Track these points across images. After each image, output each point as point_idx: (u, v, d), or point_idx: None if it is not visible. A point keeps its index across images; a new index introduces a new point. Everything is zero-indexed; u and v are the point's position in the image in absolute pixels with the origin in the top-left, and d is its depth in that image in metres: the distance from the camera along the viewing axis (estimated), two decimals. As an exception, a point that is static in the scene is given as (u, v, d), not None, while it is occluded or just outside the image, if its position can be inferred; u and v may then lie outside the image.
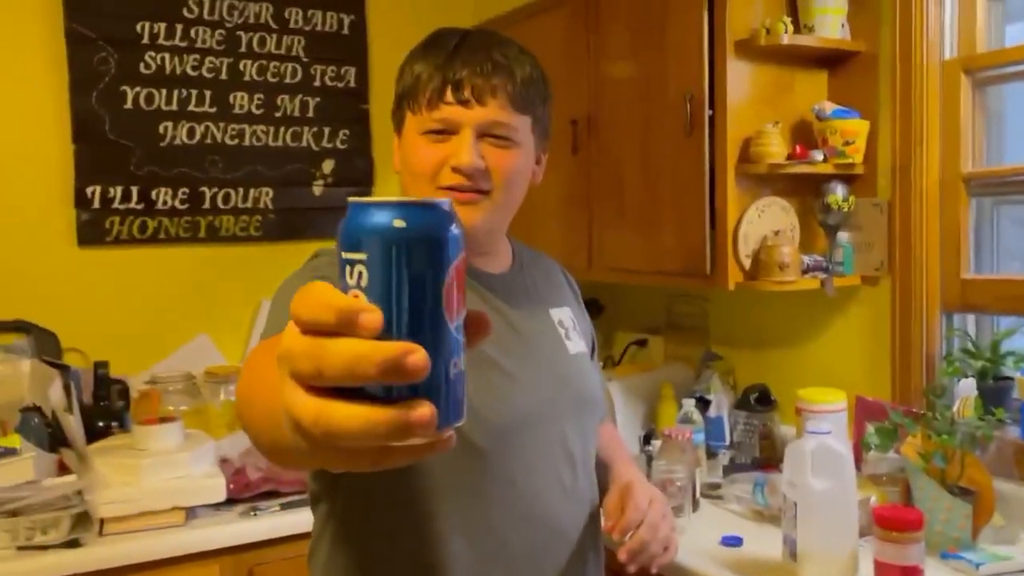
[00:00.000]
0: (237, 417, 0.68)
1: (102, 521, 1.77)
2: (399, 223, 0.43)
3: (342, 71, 2.67)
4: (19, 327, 2.22)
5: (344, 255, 0.44)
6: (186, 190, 2.46)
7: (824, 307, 2.13)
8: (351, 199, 0.46)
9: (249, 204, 2.55)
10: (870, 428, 1.80)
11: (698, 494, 1.89)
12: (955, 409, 1.70)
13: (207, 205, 2.49)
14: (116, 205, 2.38)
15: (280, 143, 2.59)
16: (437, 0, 2.81)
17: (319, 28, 2.64)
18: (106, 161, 2.36)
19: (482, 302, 1.09)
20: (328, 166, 2.67)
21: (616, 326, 2.79)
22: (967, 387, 1.73)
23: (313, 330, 0.41)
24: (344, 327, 0.41)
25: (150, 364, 2.39)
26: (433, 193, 1.01)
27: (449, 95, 1.00)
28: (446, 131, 1.02)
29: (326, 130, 2.66)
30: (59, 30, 2.30)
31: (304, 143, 2.63)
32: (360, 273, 0.43)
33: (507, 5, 2.58)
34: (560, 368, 1.13)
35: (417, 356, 0.40)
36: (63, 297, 2.34)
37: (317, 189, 2.65)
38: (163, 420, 2.00)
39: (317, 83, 2.64)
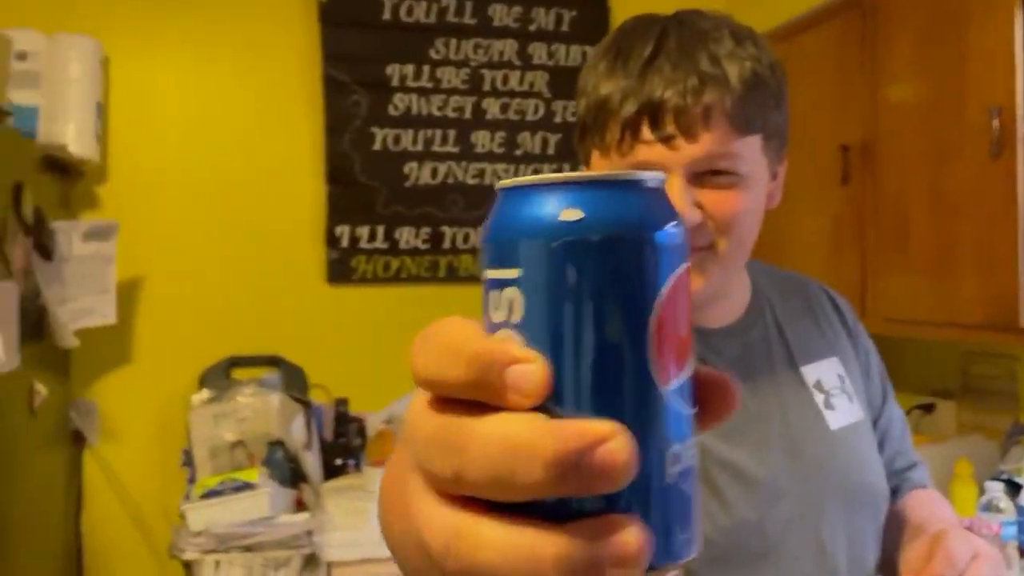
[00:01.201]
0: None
1: (329, 565, 1.74)
2: (572, 214, 0.25)
3: (584, 105, 2.56)
4: (271, 361, 2.31)
5: (489, 274, 0.27)
6: (428, 230, 2.47)
7: None
8: (501, 183, 0.28)
9: (488, 244, 2.51)
10: None
11: (1012, 607, 1.50)
12: None
13: (447, 245, 2.48)
14: (363, 244, 2.43)
15: (520, 181, 2.54)
16: (687, 27, 2.64)
17: (562, 63, 2.56)
18: (355, 201, 2.42)
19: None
20: (568, 204, 2.57)
21: (895, 387, 2.39)
22: None
23: (443, 395, 0.26)
24: (486, 389, 0.25)
25: (389, 402, 2.40)
26: None
27: (646, 132, 0.74)
28: None
29: (565, 167, 2.56)
30: (317, 76, 2.41)
31: (543, 181, 2.55)
32: (511, 302, 0.26)
33: (765, 24, 2.34)
34: (816, 450, 0.84)
35: (615, 444, 0.24)
36: (311, 333, 2.41)
37: (556, 228, 2.56)
38: (394, 462, 1.96)
39: (558, 119, 2.57)
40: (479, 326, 0.27)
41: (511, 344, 0.26)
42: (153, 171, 2.34)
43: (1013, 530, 1.67)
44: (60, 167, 2.16)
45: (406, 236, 2.46)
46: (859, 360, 0.96)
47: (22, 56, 2.01)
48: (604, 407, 0.25)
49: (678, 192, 0.74)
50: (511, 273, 0.26)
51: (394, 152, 2.45)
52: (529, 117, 2.54)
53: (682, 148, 0.74)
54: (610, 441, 0.24)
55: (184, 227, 2.35)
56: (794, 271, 0.98)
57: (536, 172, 2.54)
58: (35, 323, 1.86)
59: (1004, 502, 1.69)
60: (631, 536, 0.24)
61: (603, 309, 0.25)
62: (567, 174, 0.27)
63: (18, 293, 1.69)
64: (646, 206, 0.26)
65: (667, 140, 0.73)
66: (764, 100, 0.77)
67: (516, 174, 2.54)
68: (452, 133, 2.48)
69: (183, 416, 2.15)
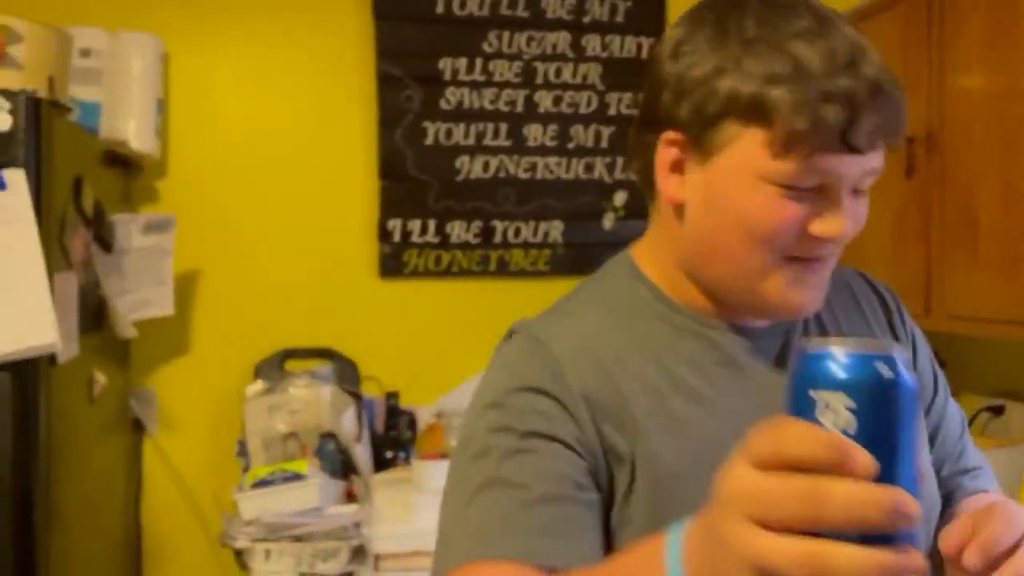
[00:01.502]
0: None
1: (377, 557, 1.74)
2: (890, 373, 0.44)
3: (639, 98, 2.52)
4: (324, 354, 2.33)
5: (819, 394, 0.44)
6: (479, 224, 2.46)
7: None
8: (825, 345, 0.45)
9: (539, 238, 2.49)
10: None
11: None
12: None
13: (498, 239, 2.47)
14: (414, 239, 2.43)
15: (572, 175, 2.50)
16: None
17: (616, 54, 2.52)
18: (407, 196, 2.43)
19: (732, 376, 0.77)
20: (620, 198, 2.53)
21: (962, 387, 2.30)
22: None
23: (797, 467, 0.41)
24: (842, 467, 0.40)
25: (439, 396, 2.40)
26: (773, 263, 0.72)
27: (837, 140, 0.66)
28: (814, 186, 0.70)
29: (619, 161, 2.52)
30: (371, 71, 2.42)
31: (596, 175, 2.51)
32: (848, 420, 0.43)
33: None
34: None
35: (914, 504, 0.40)
36: (364, 326, 2.42)
37: (608, 222, 2.52)
38: (443, 456, 1.95)
39: (612, 112, 2.53)
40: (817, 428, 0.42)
41: (855, 445, 0.41)
42: (210, 166, 2.38)
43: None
44: (121, 162, 2.21)
45: (457, 230, 2.45)
46: (905, 347, 0.89)
47: (85, 53, 2.06)
48: (902, 484, 0.42)
49: (846, 204, 0.70)
50: (850, 403, 0.42)
51: (446, 146, 2.44)
52: (582, 110, 2.51)
53: (865, 160, 0.69)
54: (911, 503, 0.40)
55: (240, 221, 2.39)
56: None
57: (588, 165, 2.51)
58: (95, 314, 1.91)
59: (1078, 510, 1.61)
60: (920, 558, 0.41)
61: (905, 430, 0.43)
62: (880, 348, 0.44)
63: (77, 283, 1.74)
64: (906, 365, 0.45)
65: (856, 151, 0.67)
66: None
67: (569, 168, 2.50)
68: (504, 127, 2.47)
69: (238, 406, 2.18)
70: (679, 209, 0.76)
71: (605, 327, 0.78)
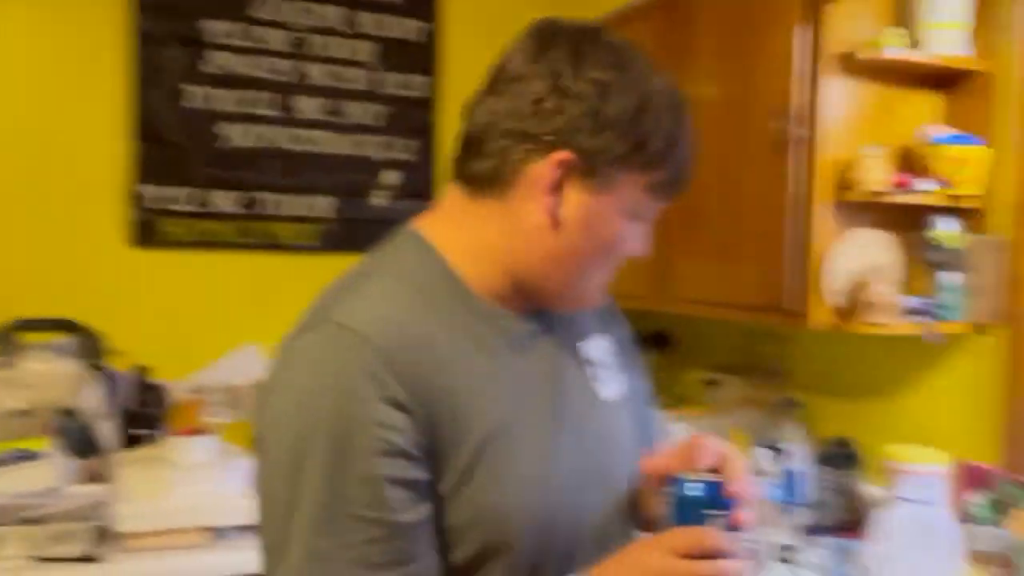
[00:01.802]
0: None
1: (122, 536, 1.67)
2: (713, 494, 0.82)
3: (412, 80, 2.57)
4: (63, 325, 2.17)
5: (705, 512, 0.81)
6: (243, 195, 2.39)
7: (924, 356, 1.90)
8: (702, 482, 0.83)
9: (308, 212, 2.47)
10: (976, 498, 1.57)
11: (768, 557, 1.69)
12: (1081, 484, 1.46)
13: (264, 211, 2.42)
14: (172, 207, 2.32)
15: (343, 151, 2.51)
16: (517, 13, 2.69)
17: (391, 34, 2.55)
18: (166, 161, 2.31)
19: (517, 354, 0.87)
20: (391, 177, 2.57)
21: (686, 363, 2.59)
22: (1096, 459, 1.49)
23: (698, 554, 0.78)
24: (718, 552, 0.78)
25: (197, 370, 2.32)
26: (599, 276, 0.88)
27: (679, 189, 0.86)
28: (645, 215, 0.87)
29: (391, 140, 2.56)
30: (129, 27, 2.27)
31: (368, 152, 2.54)
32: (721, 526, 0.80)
33: (589, 14, 2.44)
34: (594, 424, 0.92)
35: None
36: (112, 298, 2.28)
37: (379, 200, 2.55)
38: (198, 432, 1.90)
39: (385, 91, 2.55)
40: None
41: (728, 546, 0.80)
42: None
43: (775, 491, 1.87)
44: None
45: (220, 200, 2.37)
46: (615, 335, 1.03)
47: None
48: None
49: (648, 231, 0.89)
50: (721, 513, 0.81)
51: (208, 112, 2.35)
52: (355, 86, 2.52)
53: None
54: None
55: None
56: None
57: (360, 142, 2.52)
58: None
59: (769, 466, 1.89)
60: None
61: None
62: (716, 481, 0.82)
63: None
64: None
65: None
66: None
67: (340, 144, 2.50)
68: (272, 97, 2.41)
69: (-40, 383, 1.98)
70: (547, 222, 0.82)
71: (417, 310, 0.81)
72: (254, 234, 2.41)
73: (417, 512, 0.75)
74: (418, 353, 0.77)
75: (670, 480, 0.81)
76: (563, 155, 0.79)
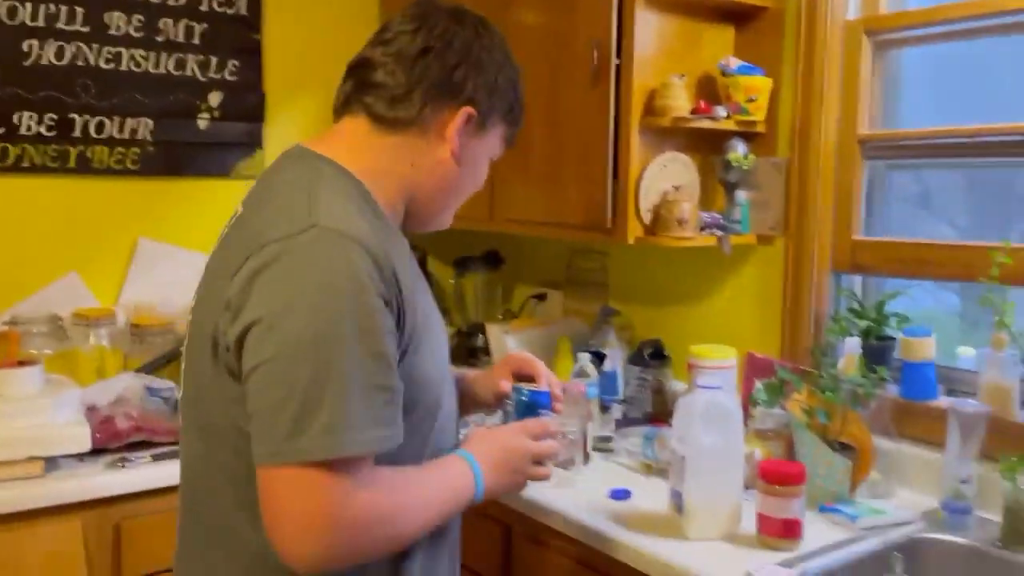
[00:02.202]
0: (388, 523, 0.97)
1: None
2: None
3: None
4: None
5: (539, 411, 1.24)
6: (54, 116, 2.25)
7: (720, 265, 2.14)
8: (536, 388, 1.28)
9: (126, 135, 2.36)
10: (758, 384, 1.83)
11: (589, 447, 1.88)
12: (839, 367, 1.73)
13: (78, 133, 2.29)
14: (-28, 128, 2.15)
15: (162, 70, 2.40)
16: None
17: (208, -52, 2.44)
18: (-39, 79, 2.13)
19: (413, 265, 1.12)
20: (215, 99, 2.49)
21: (516, 279, 2.75)
22: (852, 346, 1.77)
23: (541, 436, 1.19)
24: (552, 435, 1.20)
25: (12, 303, 2.20)
26: (458, 205, 1.19)
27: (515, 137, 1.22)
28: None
29: (213, 59, 2.48)
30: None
31: (188, 72, 2.44)
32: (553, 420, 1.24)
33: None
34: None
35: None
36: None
37: (202, 123, 2.48)
38: (22, 364, 1.84)
39: (204, 7, 2.45)
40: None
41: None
42: None
43: (595, 390, 2.07)
44: None
45: (27, 121, 2.22)
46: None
47: None
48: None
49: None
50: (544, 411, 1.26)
51: (9, 26, 2.17)
52: (171, 2, 2.40)
53: None
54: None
55: None
56: None
57: (179, 61, 2.42)
58: None
59: (591, 369, 2.08)
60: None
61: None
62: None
63: None
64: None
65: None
66: None
67: (158, 63, 2.39)
68: (80, 11, 2.26)
69: None
70: (450, 158, 1.10)
71: (373, 222, 1.00)
72: (68, 158, 2.29)
73: (399, 380, 0.97)
74: (386, 258, 0.96)
75: (514, 390, 1.26)
76: (469, 110, 1.09)
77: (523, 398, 1.24)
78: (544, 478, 1.18)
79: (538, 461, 1.17)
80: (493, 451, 1.13)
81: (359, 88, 1.08)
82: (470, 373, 1.38)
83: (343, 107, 1.11)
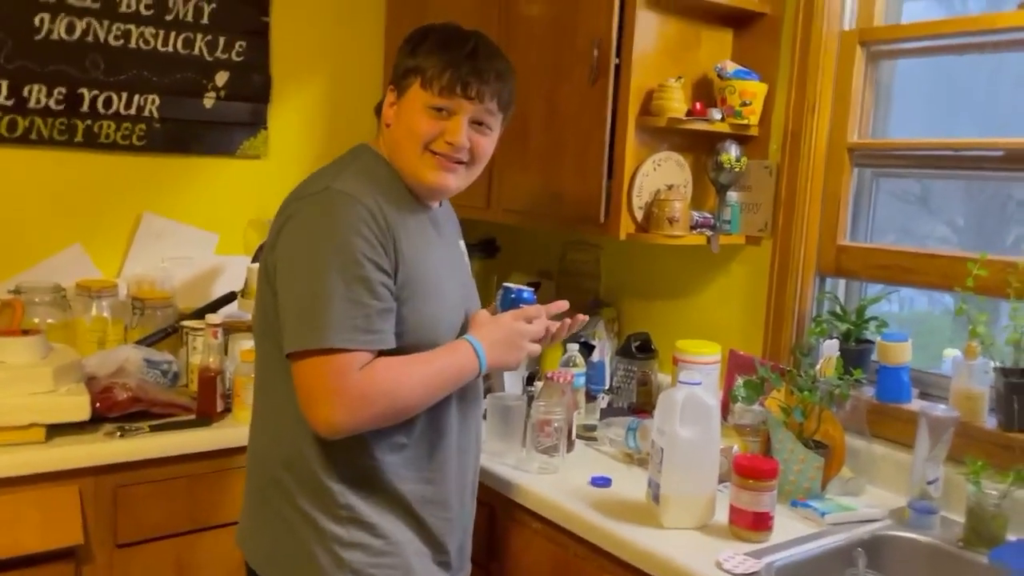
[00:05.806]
0: (392, 396, 1.27)
1: (-49, 435, 1.67)
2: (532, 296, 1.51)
3: None
4: None
5: (522, 303, 1.49)
6: (63, 90, 2.29)
7: (709, 263, 2.19)
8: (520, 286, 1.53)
9: (133, 111, 2.40)
10: (739, 381, 1.88)
11: (574, 435, 1.94)
12: (818, 367, 1.79)
13: (85, 108, 2.33)
14: (-16, 99, 2.19)
15: (170, 48, 2.44)
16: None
17: (219, -72, 2.47)
18: (-27, 51, 2.16)
19: (431, 227, 1.43)
20: (221, 78, 2.53)
21: (511, 268, 2.80)
22: (831, 347, 1.82)
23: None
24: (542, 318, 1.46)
25: (17, 273, 2.25)
26: (420, 154, 1.35)
27: (459, 90, 1.31)
28: (446, 111, 1.32)
29: (221, 39, 2.51)
30: None
31: (196, 51, 2.48)
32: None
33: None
34: (468, 280, 1.56)
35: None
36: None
37: (208, 101, 2.52)
38: (25, 332, 1.89)
39: (214, -12, 2.48)
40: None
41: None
42: None
43: (582, 380, 2.12)
44: None
45: (36, 94, 2.26)
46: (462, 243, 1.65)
47: None
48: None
49: (463, 126, 1.33)
50: (527, 301, 1.51)
51: (22, 1, 2.21)
52: (182, -19, 2.43)
53: (473, 104, 1.33)
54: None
55: None
56: None
57: (187, 40, 2.46)
58: None
59: (578, 359, 2.13)
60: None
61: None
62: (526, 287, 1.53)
63: None
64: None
65: (469, 99, 1.33)
66: (513, 98, 1.43)
67: (167, 41, 2.43)
68: (94, -13, 2.30)
69: None
70: (389, 126, 1.38)
71: (376, 192, 1.30)
72: (76, 131, 2.33)
73: (388, 304, 1.26)
74: (381, 212, 1.27)
75: (503, 287, 1.51)
76: (392, 87, 1.39)
77: (511, 295, 1.49)
78: (536, 354, 1.45)
79: (534, 341, 1.43)
80: (493, 331, 1.39)
81: None
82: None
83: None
